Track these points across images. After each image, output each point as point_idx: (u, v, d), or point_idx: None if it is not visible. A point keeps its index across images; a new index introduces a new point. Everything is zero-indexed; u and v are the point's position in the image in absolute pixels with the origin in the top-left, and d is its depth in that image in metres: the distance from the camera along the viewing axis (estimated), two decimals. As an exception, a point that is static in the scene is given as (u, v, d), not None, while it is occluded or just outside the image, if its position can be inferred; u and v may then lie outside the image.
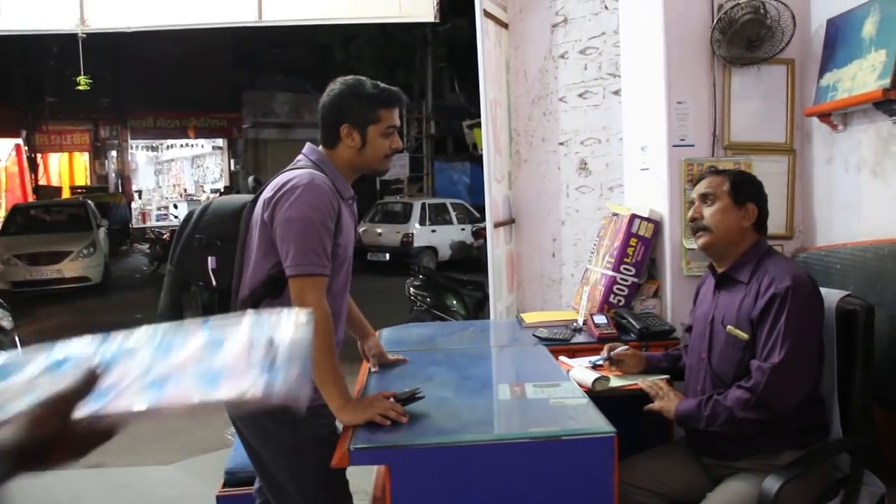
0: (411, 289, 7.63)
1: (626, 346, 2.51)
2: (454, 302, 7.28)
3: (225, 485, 2.70)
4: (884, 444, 2.24)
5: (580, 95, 4.09)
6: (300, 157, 2.14)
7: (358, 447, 1.74)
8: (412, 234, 14.25)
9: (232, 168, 26.19)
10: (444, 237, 14.77)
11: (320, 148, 2.15)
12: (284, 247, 1.95)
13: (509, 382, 2.23)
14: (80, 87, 7.34)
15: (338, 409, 1.91)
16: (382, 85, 2.14)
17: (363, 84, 2.12)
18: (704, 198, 2.30)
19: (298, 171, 2.03)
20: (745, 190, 2.27)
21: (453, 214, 15.15)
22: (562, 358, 2.62)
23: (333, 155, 2.12)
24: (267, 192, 2.03)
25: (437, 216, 14.96)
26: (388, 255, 14.22)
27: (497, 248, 4.38)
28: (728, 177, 2.31)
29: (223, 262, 2.09)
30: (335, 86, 2.12)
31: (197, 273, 2.11)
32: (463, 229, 14.82)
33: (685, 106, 2.92)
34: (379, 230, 14.75)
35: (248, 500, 2.38)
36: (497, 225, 4.34)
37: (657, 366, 2.50)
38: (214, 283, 2.10)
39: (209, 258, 2.10)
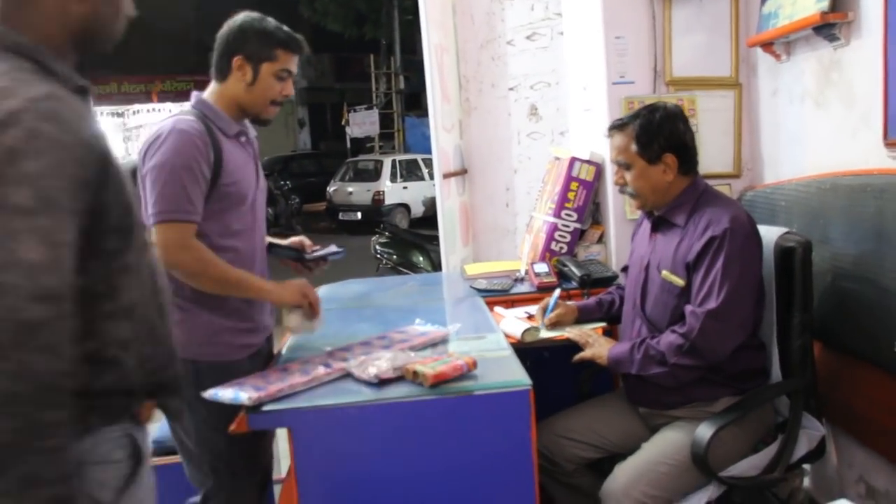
0: (377, 246, 7.51)
1: (557, 301, 2.38)
2: (420, 258, 7.18)
3: (153, 454, 2.58)
4: (826, 385, 2.16)
5: (528, 38, 3.92)
6: (185, 105, 2.04)
7: (255, 411, 1.62)
8: (383, 191, 14.08)
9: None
10: (416, 193, 14.60)
11: (206, 91, 2.04)
12: (150, 195, 1.86)
13: (433, 337, 2.11)
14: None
15: (269, 298, 2.01)
16: (287, 29, 2.05)
17: (268, 21, 2.03)
18: (620, 164, 2.15)
19: (171, 120, 1.93)
20: (655, 142, 2.07)
21: (425, 170, 14.96)
22: (497, 309, 2.51)
23: (222, 89, 2.02)
24: (143, 144, 1.95)
25: (408, 173, 14.77)
26: (359, 214, 14.05)
27: (448, 199, 4.24)
28: (633, 133, 2.10)
29: None
30: (238, 17, 2.02)
31: None
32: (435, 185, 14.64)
33: (623, 41, 2.78)
34: (350, 189, 14.56)
35: (177, 470, 2.27)
36: (447, 175, 4.20)
37: (591, 315, 2.39)
38: None
39: None
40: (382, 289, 3.05)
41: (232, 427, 1.63)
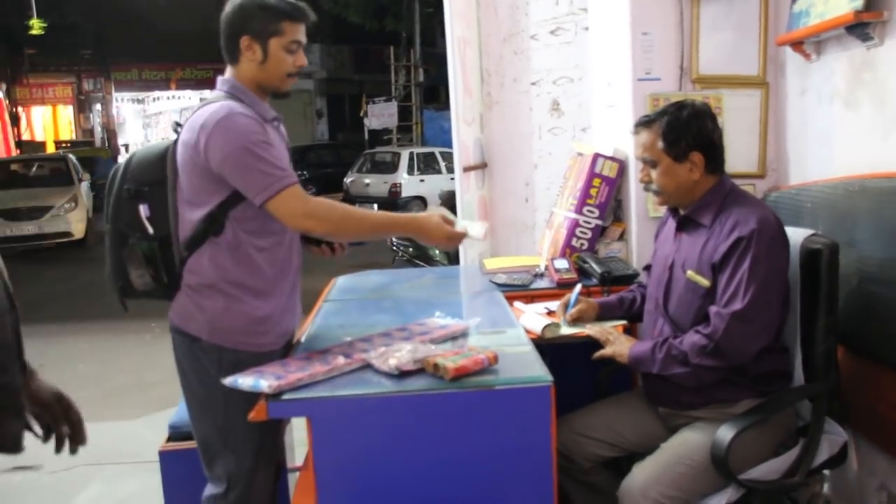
0: (394, 238, 7.51)
1: (578, 297, 2.35)
2: (436, 251, 7.17)
3: (169, 439, 2.59)
4: (849, 390, 2.13)
5: (552, 32, 3.90)
6: (215, 90, 2.01)
7: (274, 399, 1.61)
8: (400, 183, 14.08)
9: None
10: (433, 186, 14.55)
11: (228, 75, 2.01)
12: (240, 183, 1.86)
13: (453, 330, 2.10)
14: (34, 32, 7.09)
15: (417, 233, 2.02)
16: None
17: None
18: (646, 161, 2.13)
19: (212, 107, 1.89)
20: (682, 139, 2.04)
21: (442, 163, 14.93)
22: (517, 304, 2.50)
23: (238, 72, 2.00)
24: (184, 134, 1.92)
25: (425, 165, 14.75)
26: (375, 206, 14.03)
27: (468, 193, 4.24)
28: (659, 130, 2.07)
29: (156, 208, 1.97)
30: None
31: (132, 224, 1.99)
32: (452, 178, 14.52)
33: (650, 37, 2.74)
34: (367, 180, 14.57)
35: (193, 455, 2.27)
36: (467, 169, 4.19)
37: (612, 313, 2.36)
38: (151, 230, 1.98)
39: (140, 206, 1.98)
40: (401, 280, 3.04)
41: (251, 415, 1.62)
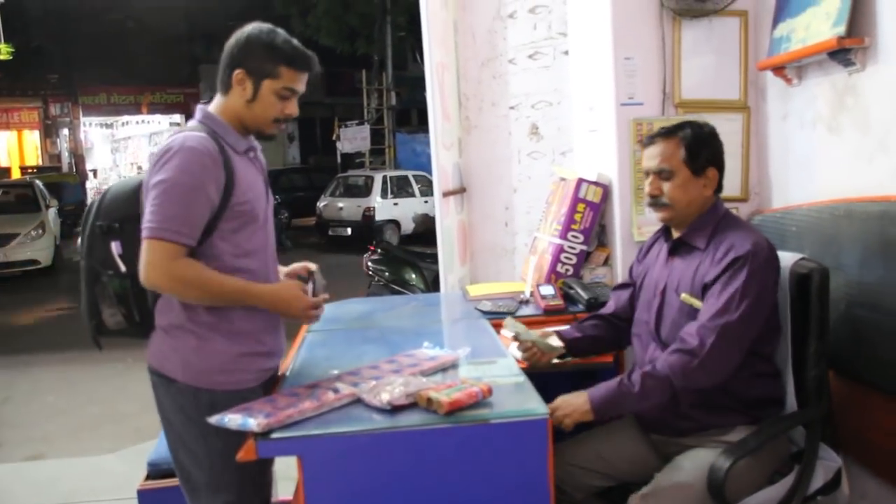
0: (369, 263, 7.46)
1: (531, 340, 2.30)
2: (413, 276, 7.13)
3: (148, 477, 2.51)
4: (841, 415, 2.12)
5: (530, 57, 3.90)
6: (192, 120, 1.97)
7: (264, 438, 1.56)
8: (374, 207, 14.04)
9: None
10: (406, 210, 14.58)
11: (212, 104, 1.97)
12: (148, 208, 1.79)
13: (443, 361, 2.05)
14: (1, 57, 6.99)
15: (266, 305, 1.91)
16: (298, 44, 1.95)
17: (276, 35, 1.93)
18: (660, 173, 2.09)
19: (181, 135, 1.86)
20: (703, 153, 2.06)
21: (416, 187, 14.95)
22: (504, 332, 2.46)
23: (225, 103, 1.95)
24: (150, 163, 1.88)
25: (399, 189, 14.75)
26: (349, 230, 14.00)
27: (447, 218, 4.20)
28: (682, 141, 2.07)
29: (128, 245, 1.91)
30: (247, 28, 1.94)
31: (104, 261, 1.94)
32: (426, 201, 14.62)
33: (633, 62, 2.75)
34: (340, 204, 14.50)
35: (173, 494, 2.19)
36: (446, 194, 4.16)
37: (583, 352, 2.33)
38: (123, 268, 1.92)
39: (112, 243, 1.92)
40: (384, 309, 2.99)
41: (240, 455, 1.57)
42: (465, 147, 4.36)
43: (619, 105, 2.77)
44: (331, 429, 1.59)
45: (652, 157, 2.12)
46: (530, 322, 2.59)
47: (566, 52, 3.67)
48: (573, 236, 2.87)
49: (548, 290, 2.73)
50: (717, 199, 2.11)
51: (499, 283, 3.21)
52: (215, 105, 1.97)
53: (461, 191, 4.35)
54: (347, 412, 1.69)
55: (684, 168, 2.06)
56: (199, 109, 1.98)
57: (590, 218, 2.87)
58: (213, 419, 1.65)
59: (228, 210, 1.86)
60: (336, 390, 1.74)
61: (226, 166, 1.85)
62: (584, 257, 2.92)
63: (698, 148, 2.07)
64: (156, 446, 2.63)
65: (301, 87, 1.96)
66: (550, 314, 2.59)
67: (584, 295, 2.65)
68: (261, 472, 2.00)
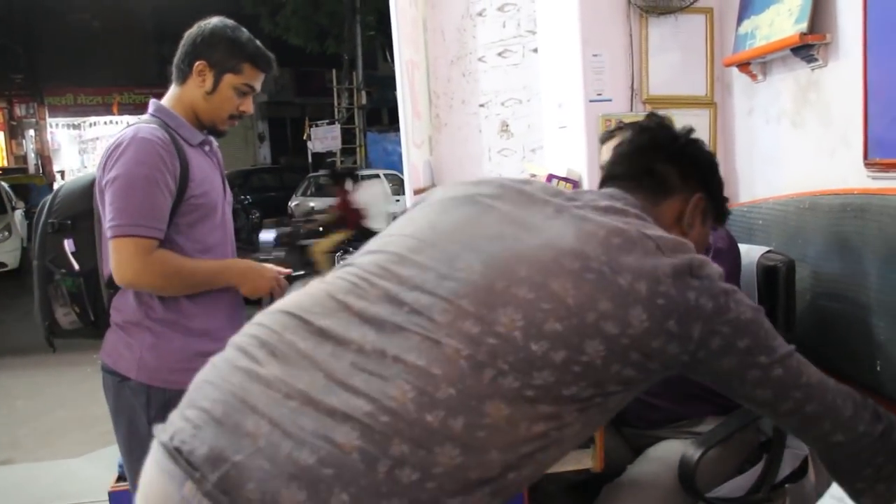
0: (339, 261, 7.43)
1: None
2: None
3: (119, 479, 2.48)
4: (807, 404, 2.15)
5: (499, 54, 3.92)
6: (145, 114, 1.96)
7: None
8: (346, 206, 13.97)
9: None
10: (378, 209, 14.53)
11: (165, 96, 1.97)
12: (109, 207, 1.78)
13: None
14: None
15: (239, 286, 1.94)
16: (259, 44, 1.97)
17: (241, 31, 1.95)
18: None
19: (126, 129, 1.85)
20: None
21: (387, 185, 14.91)
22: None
23: (180, 93, 1.94)
24: (101, 159, 1.87)
25: (370, 188, 14.70)
26: (321, 229, 13.93)
27: (419, 216, 4.22)
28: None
29: (81, 243, 1.89)
30: (212, 21, 1.94)
31: (56, 260, 1.91)
32: (398, 200, 14.59)
33: (601, 59, 2.78)
34: (312, 203, 14.44)
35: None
36: (417, 192, 4.17)
37: None
38: (77, 266, 1.89)
39: (65, 241, 1.90)
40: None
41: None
42: (435, 145, 4.36)
43: (587, 101, 2.79)
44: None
45: (609, 151, 2.14)
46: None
47: (535, 50, 3.70)
48: (544, 232, 2.88)
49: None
50: None
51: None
52: (168, 97, 1.96)
53: (432, 188, 4.37)
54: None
55: None
56: (151, 103, 1.97)
57: (560, 214, 2.88)
58: None
59: (184, 204, 1.84)
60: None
61: (179, 157, 1.83)
62: (555, 253, 2.94)
63: None
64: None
65: (258, 85, 1.96)
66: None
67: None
68: None
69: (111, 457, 3.47)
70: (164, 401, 1.82)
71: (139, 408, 1.85)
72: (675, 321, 1.06)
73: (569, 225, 1.12)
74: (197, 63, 1.89)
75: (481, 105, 4.02)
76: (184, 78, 1.92)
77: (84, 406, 5.21)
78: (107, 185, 1.78)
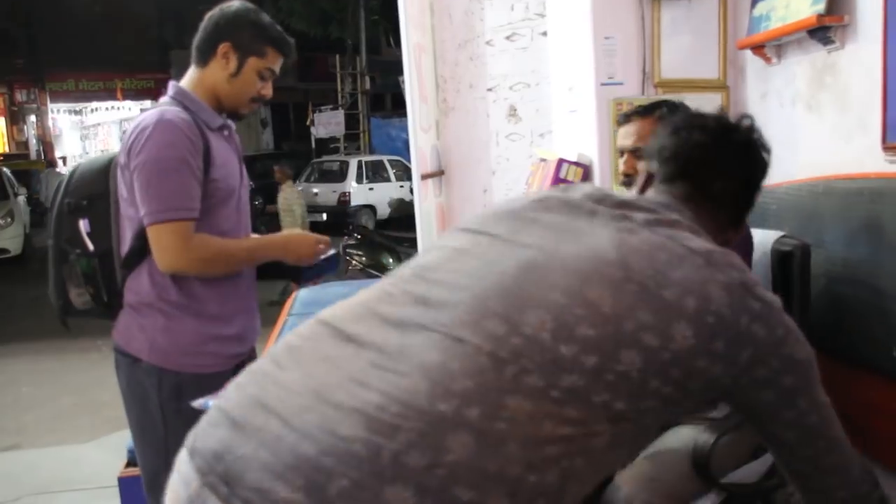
0: (346, 248, 7.44)
1: None
2: (390, 260, 7.13)
3: (128, 464, 2.48)
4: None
5: (507, 38, 3.89)
6: (164, 97, 1.94)
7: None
8: (349, 192, 14.00)
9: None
10: (382, 195, 14.54)
11: (185, 79, 1.94)
12: (140, 195, 1.77)
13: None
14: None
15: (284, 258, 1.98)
16: (280, 28, 1.96)
17: (262, 15, 1.94)
18: (635, 151, 2.10)
19: (149, 112, 1.83)
20: None
21: (391, 172, 14.92)
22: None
23: (202, 76, 1.91)
24: (124, 140, 1.85)
25: (374, 174, 14.71)
26: (325, 215, 13.94)
27: (426, 201, 4.19)
28: (658, 120, 2.08)
29: (96, 223, 1.88)
30: (234, 3, 1.92)
31: (72, 240, 1.90)
32: (402, 186, 14.60)
33: (613, 41, 2.74)
34: (315, 190, 14.43)
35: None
36: (425, 177, 4.14)
37: None
38: (91, 247, 1.88)
39: (80, 221, 1.89)
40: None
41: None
42: (442, 129, 4.34)
43: (598, 85, 2.76)
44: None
45: (627, 135, 2.13)
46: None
47: (544, 34, 3.66)
48: (554, 217, 2.86)
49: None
50: None
51: (480, 265, 3.20)
52: (189, 79, 1.93)
53: (439, 173, 4.34)
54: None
55: None
56: (171, 85, 1.94)
57: (570, 198, 2.86)
58: (198, 403, 1.63)
59: (205, 186, 1.82)
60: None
61: (202, 140, 1.82)
62: (566, 238, 2.92)
63: None
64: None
65: (278, 69, 1.96)
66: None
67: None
68: None
69: (118, 443, 3.48)
70: (175, 384, 1.82)
71: (150, 389, 1.84)
72: (723, 342, 1.02)
73: (613, 236, 1.08)
74: (221, 45, 1.87)
75: (489, 89, 4.00)
76: (206, 60, 1.90)
77: (90, 391, 5.22)
78: (136, 169, 1.76)
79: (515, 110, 3.93)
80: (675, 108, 2.11)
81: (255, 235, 2.07)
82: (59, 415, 4.92)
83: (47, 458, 4.08)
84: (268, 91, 1.95)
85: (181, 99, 1.88)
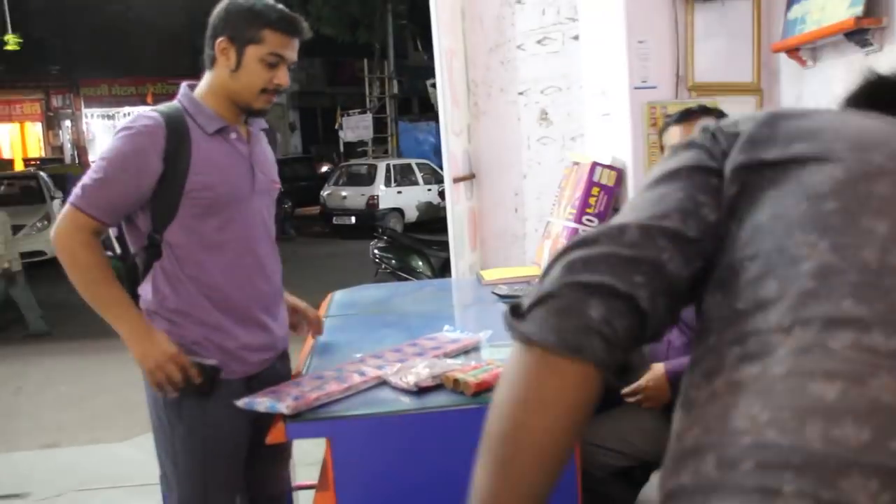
0: (375, 251, 7.47)
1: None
2: (419, 263, 7.15)
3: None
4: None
5: (539, 42, 3.91)
6: None
7: (292, 420, 1.57)
8: (377, 195, 14.04)
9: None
10: (410, 198, 14.58)
11: (201, 83, 1.90)
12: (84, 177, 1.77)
13: (464, 344, 2.07)
14: (9, 48, 6.98)
15: (128, 343, 1.78)
16: (283, 7, 1.82)
17: (259, 1, 1.80)
18: None
19: (136, 113, 1.85)
20: None
21: (419, 175, 14.95)
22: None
23: (211, 79, 1.85)
24: None
25: (402, 177, 14.75)
26: (353, 219, 14.02)
27: (457, 204, 4.22)
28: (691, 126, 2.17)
29: (121, 228, 1.88)
30: None
31: (105, 242, 1.90)
32: (429, 189, 14.63)
33: (646, 46, 2.76)
34: (343, 193, 14.51)
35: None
36: (456, 180, 4.17)
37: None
38: (119, 250, 1.91)
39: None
40: (400, 294, 3.01)
41: (269, 438, 1.58)
42: (473, 133, 4.36)
43: (632, 88, 2.77)
44: (359, 410, 1.61)
45: (676, 136, 2.22)
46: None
47: (575, 38, 3.67)
48: (588, 220, 2.88)
49: (564, 273, 2.74)
50: None
51: (513, 267, 3.22)
52: (200, 85, 1.88)
53: (470, 177, 4.37)
54: (374, 394, 1.70)
55: None
56: (181, 86, 1.90)
57: (604, 202, 2.88)
58: (242, 402, 1.66)
59: (185, 196, 1.78)
60: (362, 373, 1.76)
61: (180, 148, 1.77)
62: (599, 241, 2.93)
63: None
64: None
65: (289, 53, 1.81)
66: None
67: (599, 278, 2.66)
68: (230, 463, 1.92)
69: (152, 443, 3.54)
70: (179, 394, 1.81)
71: (158, 396, 1.85)
72: None
73: None
74: (218, 41, 1.78)
75: (520, 93, 4.02)
76: (211, 62, 1.83)
77: (125, 392, 5.28)
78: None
79: (547, 114, 3.95)
80: (708, 111, 2.14)
81: (132, 310, 1.82)
82: (96, 414, 5.00)
83: (86, 457, 4.15)
84: (281, 79, 1.82)
85: (182, 101, 1.84)
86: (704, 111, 2.22)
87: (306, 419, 1.58)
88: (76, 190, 1.75)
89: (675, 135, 2.17)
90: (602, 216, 2.89)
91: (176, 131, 1.77)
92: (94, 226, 1.74)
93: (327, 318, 2.56)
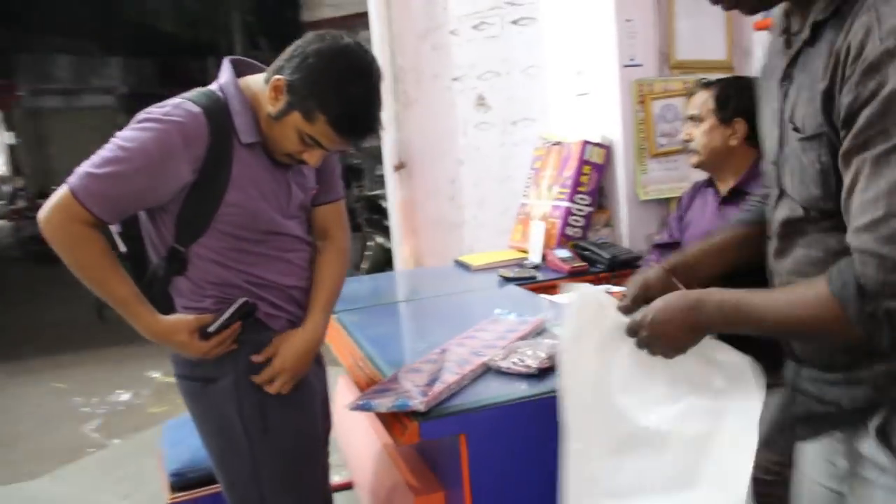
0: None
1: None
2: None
3: (172, 489, 2.26)
4: None
5: (475, 27, 3.85)
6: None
7: (424, 418, 1.43)
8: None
9: (9, 142, 23.43)
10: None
11: (250, 76, 1.65)
12: (93, 156, 1.52)
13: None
14: None
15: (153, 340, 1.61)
16: (360, 107, 1.55)
17: (354, 77, 1.53)
18: (693, 118, 2.25)
19: (174, 100, 1.56)
20: (732, 104, 2.17)
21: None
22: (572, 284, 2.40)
23: (259, 91, 1.60)
24: None
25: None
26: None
27: (393, 194, 4.14)
28: (713, 91, 2.21)
29: (126, 224, 1.65)
30: (326, 44, 1.52)
31: (109, 238, 1.67)
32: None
33: (633, 24, 2.78)
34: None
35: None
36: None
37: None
38: (123, 248, 1.67)
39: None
40: (392, 285, 2.86)
41: (402, 440, 1.44)
42: (403, 122, 4.25)
43: (621, 67, 2.78)
44: (487, 401, 1.49)
45: (689, 107, 2.29)
46: (554, 286, 2.56)
47: (515, 22, 3.65)
48: (580, 198, 2.87)
49: (564, 252, 2.71)
50: (752, 152, 2.14)
51: (492, 252, 3.14)
52: (253, 78, 1.64)
53: (400, 167, 4.26)
54: (484, 383, 1.59)
55: (711, 115, 2.20)
56: (226, 70, 1.63)
57: (595, 179, 2.88)
58: (357, 406, 1.50)
59: (221, 208, 1.58)
60: (465, 362, 1.64)
61: (221, 157, 1.56)
62: (590, 219, 2.93)
63: (727, 98, 2.18)
64: (166, 454, 2.37)
65: (332, 147, 1.59)
66: (575, 275, 2.58)
67: (603, 255, 2.66)
68: (317, 471, 1.80)
69: (78, 473, 3.11)
70: (258, 400, 1.65)
71: (229, 405, 1.66)
72: None
73: None
74: (276, 78, 1.54)
75: (455, 79, 3.94)
76: (268, 78, 1.59)
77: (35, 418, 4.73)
78: (112, 138, 1.52)
79: (484, 99, 3.90)
80: (736, 80, 2.23)
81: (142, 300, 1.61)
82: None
83: (9, 500, 3.66)
84: (311, 159, 1.60)
85: (227, 93, 1.59)
86: (704, 84, 2.30)
87: (440, 415, 1.44)
88: (79, 171, 1.49)
89: (701, 98, 2.22)
90: (593, 194, 2.89)
91: (218, 139, 1.54)
92: (91, 220, 1.50)
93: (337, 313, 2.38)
